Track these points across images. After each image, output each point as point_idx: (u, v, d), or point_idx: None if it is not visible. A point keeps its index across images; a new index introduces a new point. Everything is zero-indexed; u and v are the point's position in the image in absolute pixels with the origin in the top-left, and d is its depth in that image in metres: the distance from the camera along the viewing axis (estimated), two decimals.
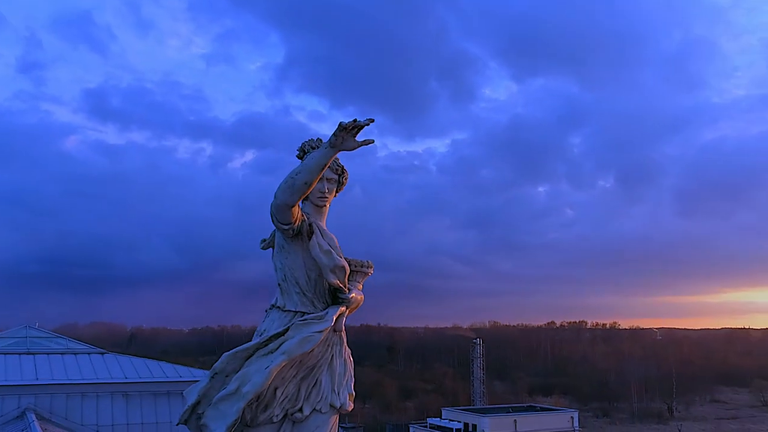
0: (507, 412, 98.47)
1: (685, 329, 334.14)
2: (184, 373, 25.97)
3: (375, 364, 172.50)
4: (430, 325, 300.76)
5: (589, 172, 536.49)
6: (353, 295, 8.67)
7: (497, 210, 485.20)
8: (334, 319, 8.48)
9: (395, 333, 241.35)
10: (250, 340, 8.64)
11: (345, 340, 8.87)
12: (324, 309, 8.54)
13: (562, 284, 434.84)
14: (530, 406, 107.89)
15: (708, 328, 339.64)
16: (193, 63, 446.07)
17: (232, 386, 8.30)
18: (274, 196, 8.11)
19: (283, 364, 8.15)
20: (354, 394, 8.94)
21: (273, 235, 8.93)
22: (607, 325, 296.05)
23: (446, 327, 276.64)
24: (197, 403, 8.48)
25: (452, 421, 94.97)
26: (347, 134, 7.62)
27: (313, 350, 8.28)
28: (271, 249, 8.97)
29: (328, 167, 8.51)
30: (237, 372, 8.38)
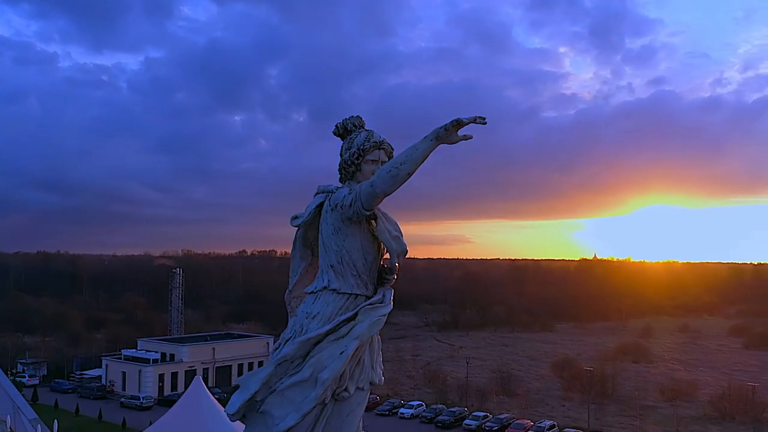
0: (205, 341, 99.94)
1: None
2: None
3: (56, 294, 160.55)
4: (118, 253, 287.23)
5: (285, 104, 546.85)
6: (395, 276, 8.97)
7: (192, 136, 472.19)
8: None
9: (78, 261, 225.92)
10: None
11: None
12: (373, 291, 8.79)
13: (254, 214, 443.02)
14: (227, 333, 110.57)
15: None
16: None
17: (305, 373, 8.30)
18: (372, 185, 8.11)
19: (356, 348, 8.29)
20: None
21: (312, 215, 8.90)
22: None
23: (136, 255, 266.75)
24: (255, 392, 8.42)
25: (149, 351, 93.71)
26: (457, 129, 7.95)
27: None
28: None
29: (384, 151, 8.80)
30: (304, 358, 8.39)
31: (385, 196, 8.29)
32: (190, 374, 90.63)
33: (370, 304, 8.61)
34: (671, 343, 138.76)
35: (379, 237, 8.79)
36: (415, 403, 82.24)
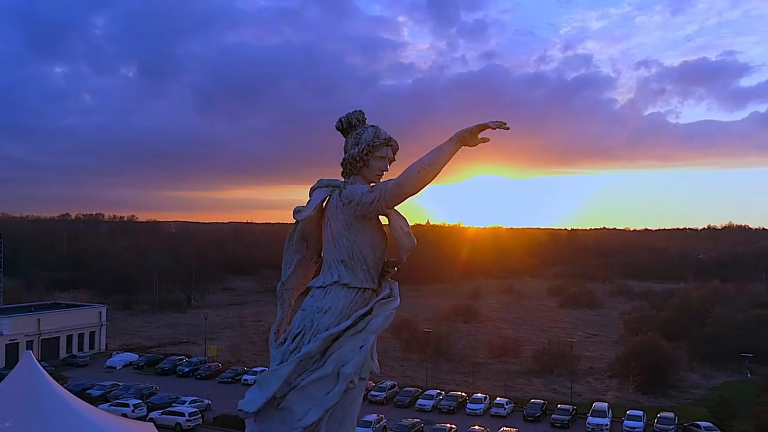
0: (29, 312, 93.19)
1: (197, 223, 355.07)
2: None
3: None
4: None
5: (112, 57, 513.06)
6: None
7: (7, 88, 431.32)
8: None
9: None
10: None
11: None
12: (377, 284, 8.93)
13: (78, 174, 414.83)
14: (54, 303, 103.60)
15: (218, 222, 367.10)
16: None
17: (327, 368, 8.35)
18: (400, 185, 8.20)
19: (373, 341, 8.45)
20: None
21: (319, 209, 8.83)
22: (126, 218, 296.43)
23: None
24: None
25: None
26: (479, 132, 8.25)
27: None
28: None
29: (391, 147, 8.94)
30: (323, 354, 8.38)
31: (412, 196, 8.51)
32: (12, 348, 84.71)
33: (383, 299, 8.79)
34: (498, 304, 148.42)
35: (392, 233, 9.01)
36: (259, 369, 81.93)
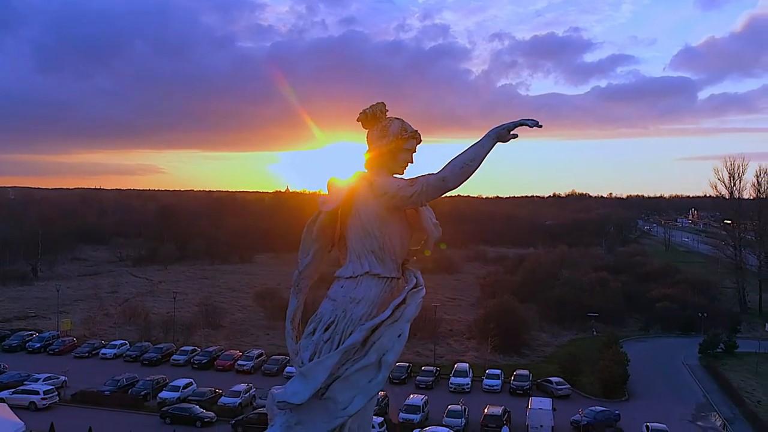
0: None
1: (41, 189, 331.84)
2: None
3: None
4: None
5: None
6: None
7: None
8: None
9: None
10: None
11: None
12: (400, 273, 9.34)
13: None
14: None
15: (63, 188, 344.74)
16: None
17: (371, 357, 8.52)
18: (444, 179, 8.33)
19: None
20: None
21: (350, 202, 8.92)
22: None
23: None
24: None
25: None
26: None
27: None
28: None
29: (416, 140, 9.14)
30: (363, 344, 8.55)
31: (452, 190, 8.74)
32: None
33: (414, 288, 9.11)
34: None
35: (423, 224, 9.23)
36: (118, 342, 78.68)
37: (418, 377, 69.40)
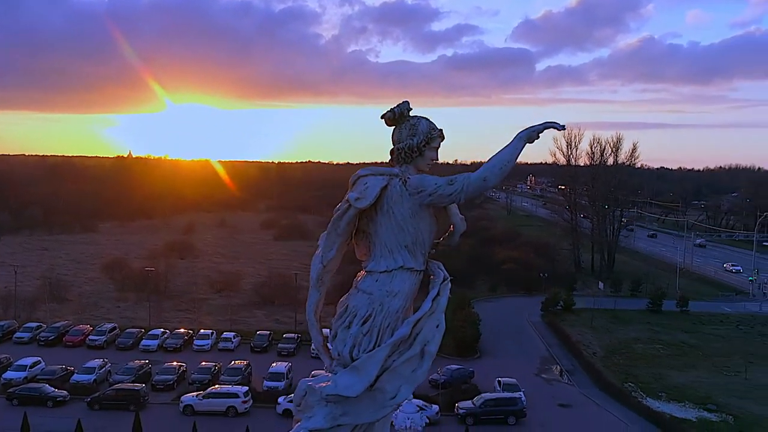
0: None
1: None
2: None
3: None
4: None
5: None
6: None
7: None
8: None
9: None
10: None
11: None
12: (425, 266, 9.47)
13: None
14: None
15: None
16: None
17: (415, 349, 8.85)
18: (485, 180, 8.72)
19: None
20: None
21: (379, 197, 8.96)
22: None
23: None
24: None
25: None
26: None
27: None
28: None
29: (441, 138, 9.36)
30: (408, 336, 8.88)
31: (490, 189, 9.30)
32: None
33: (444, 280, 9.59)
34: (213, 238, 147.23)
35: (452, 218, 9.72)
36: None
37: (279, 344, 69.63)
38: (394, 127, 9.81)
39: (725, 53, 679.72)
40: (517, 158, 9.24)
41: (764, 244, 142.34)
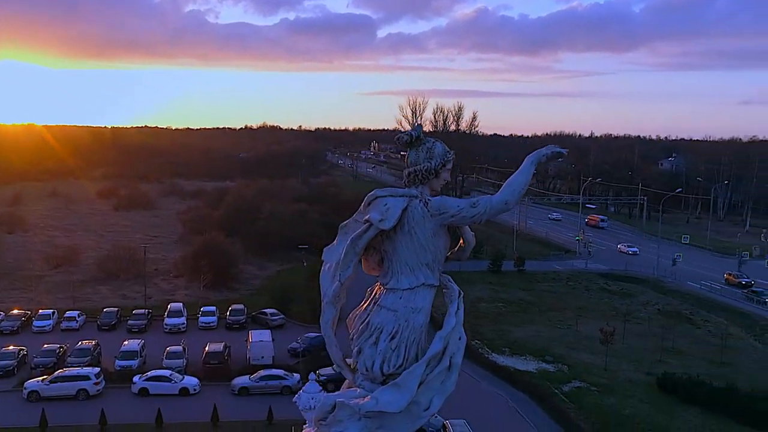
0: None
1: None
2: None
3: None
4: None
5: None
6: None
7: None
8: None
9: None
10: None
11: None
12: None
13: None
14: None
15: None
16: None
17: (445, 362, 9.44)
18: (506, 203, 9.25)
19: None
20: None
21: (401, 218, 9.46)
22: None
23: None
24: None
25: None
26: None
27: None
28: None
29: (452, 162, 9.90)
30: (438, 350, 9.60)
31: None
32: None
33: (460, 295, 10.32)
34: (44, 210, 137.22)
35: (464, 236, 10.29)
36: None
37: (129, 321, 67.06)
38: (408, 149, 10.18)
39: (551, 26, 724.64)
40: (530, 181, 9.96)
41: (588, 206, 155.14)
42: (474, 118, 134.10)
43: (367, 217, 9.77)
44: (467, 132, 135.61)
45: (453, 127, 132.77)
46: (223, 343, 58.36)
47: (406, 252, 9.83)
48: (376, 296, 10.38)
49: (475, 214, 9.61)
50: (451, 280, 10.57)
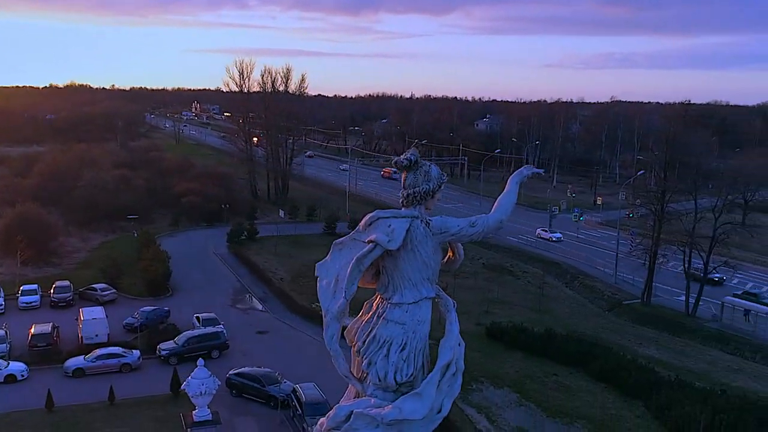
0: None
1: None
2: None
3: None
4: None
5: None
6: None
7: None
8: None
9: None
10: None
11: None
12: None
13: None
14: None
15: None
16: None
17: (452, 368, 10.51)
18: (501, 222, 10.56)
19: None
20: None
21: (406, 238, 10.10)
22: None
23: None
24: None
25: None
26: None
27: None
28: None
29: (445, 184, 10.79)
30: (450, 359, 10.53)
31: None
32: None
33: (454, 305, 11.12)
34: None
35: (456, 250, 11.03)
36: None
37: None
38: (407, 172, 10.75)
39: None
40: (516, 199, 10.89)
41: None
42: (303, 80, 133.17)
43: (372, 237, 10.10)
44: (296, 94, 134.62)
45: (282, 89, 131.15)
46: (51, 324, 54.68)
47: (409, 269, 10.42)
48: (379, 310, 10.76)
49: (474, 233, 10.46)
50: (440, 290, 11.16)
